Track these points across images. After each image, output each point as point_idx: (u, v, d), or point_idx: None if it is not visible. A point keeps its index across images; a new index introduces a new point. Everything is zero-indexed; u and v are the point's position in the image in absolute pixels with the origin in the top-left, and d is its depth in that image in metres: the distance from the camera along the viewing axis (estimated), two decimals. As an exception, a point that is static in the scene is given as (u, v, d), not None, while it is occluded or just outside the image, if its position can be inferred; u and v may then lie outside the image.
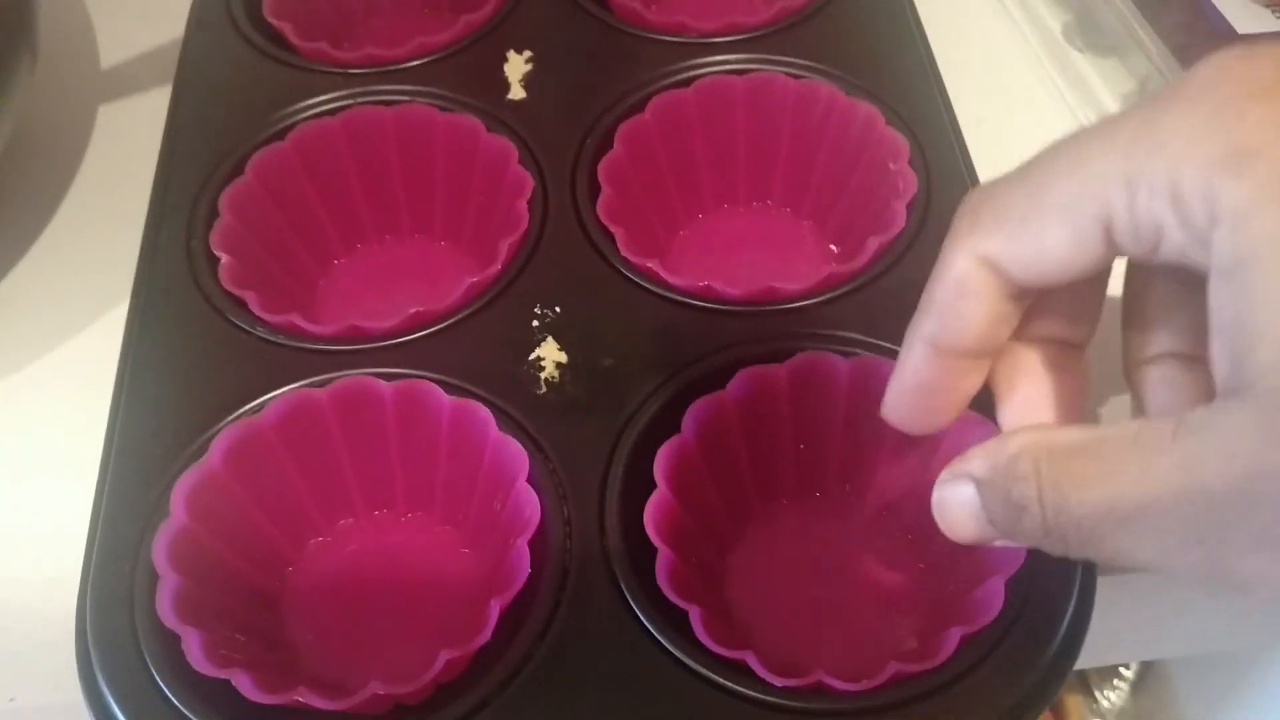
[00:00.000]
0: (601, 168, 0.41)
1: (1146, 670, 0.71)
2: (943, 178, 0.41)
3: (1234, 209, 0.22)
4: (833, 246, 0.44)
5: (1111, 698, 0.72)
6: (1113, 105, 0.49)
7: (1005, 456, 0.27)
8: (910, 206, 0.40)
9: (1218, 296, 0.23)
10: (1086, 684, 0.73)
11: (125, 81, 0.50)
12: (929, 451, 0.36)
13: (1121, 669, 0.71)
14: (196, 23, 0.48)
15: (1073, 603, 0.32)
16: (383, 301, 0.41)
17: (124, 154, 0.47)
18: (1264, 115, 0.22)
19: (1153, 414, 0.29)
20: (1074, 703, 0.72)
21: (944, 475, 0.29)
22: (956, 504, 0.29)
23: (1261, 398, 0.22)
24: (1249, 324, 0.22)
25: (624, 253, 0.39)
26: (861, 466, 0.37)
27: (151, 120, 0.45)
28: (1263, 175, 0.22)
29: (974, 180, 0.42)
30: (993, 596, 0.31)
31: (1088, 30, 0.52)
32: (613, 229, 0.40)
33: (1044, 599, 0.32)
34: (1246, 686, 0.58)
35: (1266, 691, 0.57)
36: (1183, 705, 0.66)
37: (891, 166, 0.41)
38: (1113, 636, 0.34)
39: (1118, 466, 0.24)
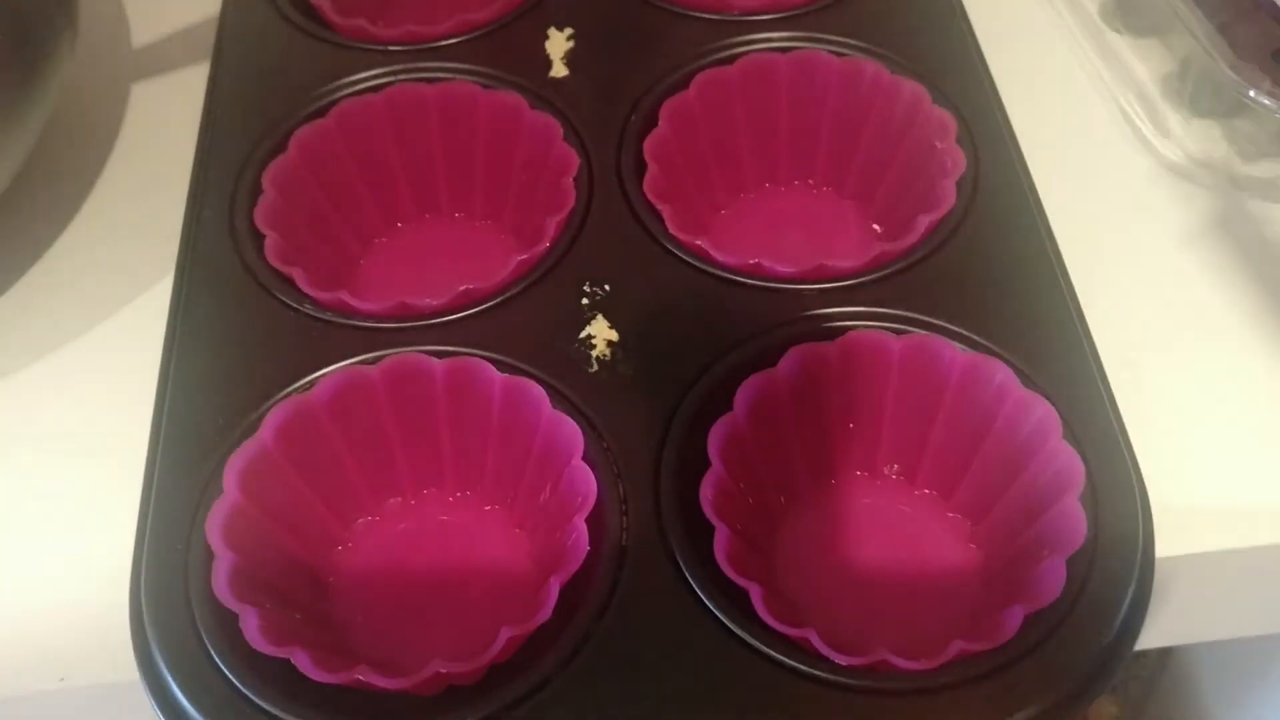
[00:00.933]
0: (647, 145, 0.41)
1: (1165, 658, 0.70)
2: (990, 155, 0.41)
3: None
4: (876, 226, 0.43)
5: (1131, 689, 0.71)
6: (1152, 86, 0.49)
7: None
8: (959, 184, 0.40)
9: None
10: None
11: (159, 59, 0.49)
12: (980, 431, 0.35)
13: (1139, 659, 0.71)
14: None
15: (1134, 583, 0.32)
16: (425, 280, 0.40)
17: (159, 131, 0.46)
18: None
19: None
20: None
21: None
22: None
23: None
24: None
25: (673, 231, 0.39)
26: (911, 446, 0.37)
27: (186, 98, 0.45)
28: None
29: (1020, 158, 0.41)
30: (1053, 575, 0.31)
31: (1126, 11, 0.52)
32: (659, 207, 0.39)
33: (1105, 579, 0.31)
34: (1265, 680, 0.58)
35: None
36: (1199, 699, 0.66)
37: (938, 145, 0.41)
38: (1170, 617, 0.34)
39: None
